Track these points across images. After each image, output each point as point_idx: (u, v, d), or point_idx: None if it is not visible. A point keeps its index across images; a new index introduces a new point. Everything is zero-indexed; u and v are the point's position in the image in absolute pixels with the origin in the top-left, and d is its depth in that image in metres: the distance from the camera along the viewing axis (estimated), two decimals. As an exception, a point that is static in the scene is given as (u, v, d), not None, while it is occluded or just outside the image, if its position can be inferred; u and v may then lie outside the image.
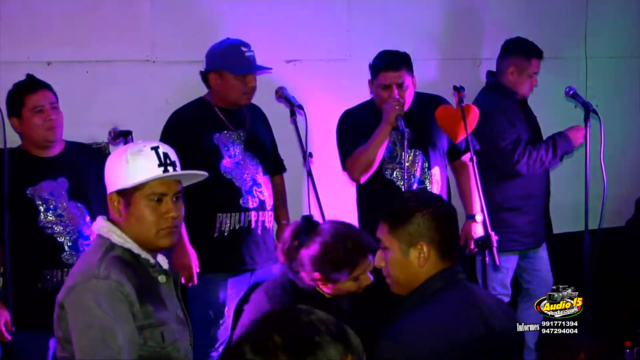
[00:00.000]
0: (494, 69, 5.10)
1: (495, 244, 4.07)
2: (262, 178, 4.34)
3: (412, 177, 4.46)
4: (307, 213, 4.35)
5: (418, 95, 4.58)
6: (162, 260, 2.85)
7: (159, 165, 2.68)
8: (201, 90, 4.47)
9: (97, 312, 2.54)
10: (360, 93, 4.84)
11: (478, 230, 4.62)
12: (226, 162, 4.28)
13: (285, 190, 4.59)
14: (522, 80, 4.92)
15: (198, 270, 4.20)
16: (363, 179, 4.43)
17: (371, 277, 3.20)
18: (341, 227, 3.25)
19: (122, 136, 3.82)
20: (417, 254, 2.57)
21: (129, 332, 2.56)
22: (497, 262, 4.08)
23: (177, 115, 4.31)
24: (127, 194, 2.67)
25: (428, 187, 4.49)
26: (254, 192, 4.31)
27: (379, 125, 4.35)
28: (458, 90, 4.42)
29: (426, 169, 4.51)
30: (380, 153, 4.39)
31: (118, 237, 2.68)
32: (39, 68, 4.26)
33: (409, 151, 4.45)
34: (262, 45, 4.52)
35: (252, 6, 4.83)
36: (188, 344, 2.78)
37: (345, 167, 4.51)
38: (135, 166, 2.66)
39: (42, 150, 3.97)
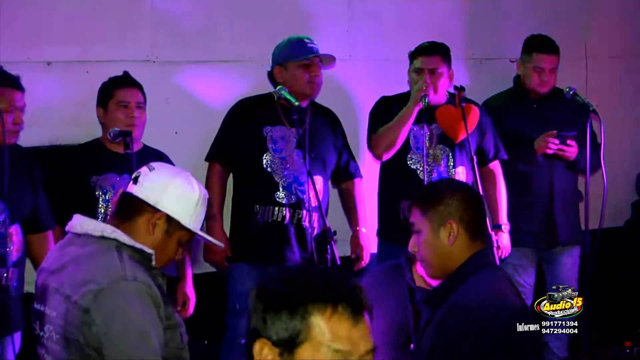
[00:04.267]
0: (493, 68, 5.12)
1: (495, 244, 4.07)
2: (307, 177, 4.27)
3: (433, 169, 4.51)
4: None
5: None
6: None
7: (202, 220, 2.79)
8: (201, 90, 4.48)
9: (132, 315, 2.49)
10: (360, 93, 4.85)
11: (504, 240, 4.65)
12: (270, 156, 4.32)
13: (355, 197, 4.58)
14: (528, 76, 4.92)
15: (229, 254, 4.27)
16: (386, 157, 4.50)
17: None
18: None
19: (122, 136, 3.81)
20: (447, 233, 2.67)
21: (160, 335, 2.53)
22: (497, 262, 4.08)
23: (239, 103, 4.43)
24: (174, 227, 2.68)
25: None
26: (293, 189, 4.32)
27: (406, 105, 4.43)
28: (458, 90, 4.43)
29: (450, 167, 4.56)
30: (404, 132, 4.44)
31: (126, 238, 2.63)
32: (39, 68, 4.26)
33: (437, 146, 4.52)
34: (262, 45, 4.52)
35: (252, 6, 4.82)
36: None
37: (370, 144, 4.59)
38: (199, 214, 2.74)
39: (116, 146, 4.01)
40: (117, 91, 4.05)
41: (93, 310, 2.49)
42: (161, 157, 4.12)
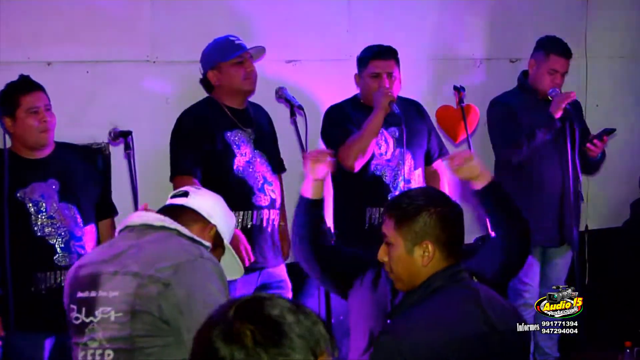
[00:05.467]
0: (492, 68, 5.11)
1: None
2: (271, 176, 4.33)
3: (398, 174, 4.45)
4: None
5: (398, 98, 4.58)
6: None
7: None
8: (201, 90, 4.47)
9: (212, 289, 2.58)
10: (360, 93, 4.84)
11: None
12: (238, 160, 4.27)
13: (283, 191, 4.57)
14: (540, 76, 4.87)
15: (248, 246, 4.17)
16: (358, 166, 4.40)
17: None
18: None
19: (122, 136, 3.81)
20: (421, 252, 2.57)
21: None
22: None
23: (188, 115, 4.29)
24: (218, 242, 2.84)
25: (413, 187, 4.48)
26: (266, 190, 4.30)
27: (372, 113, 4.34)
28: (458, 90, 4.43)
29: (412, 169, 4.51)
30: (374, 140, 4.39)
31: (186, 230, 2.73)
32: (39, 68, 4.26)
33: (396, 149, 4.46)
34: (262, 45, 4.52)
35: (252, 6, 4.83)
36: None
37: (338, 155, 4.45)
38: (232, 237, 2.95)
39: (32, 152, 3.90)
40: (23, 98, 3.85)
41: (174, 283, 2.56)
42: (87, 150, 4.11)
